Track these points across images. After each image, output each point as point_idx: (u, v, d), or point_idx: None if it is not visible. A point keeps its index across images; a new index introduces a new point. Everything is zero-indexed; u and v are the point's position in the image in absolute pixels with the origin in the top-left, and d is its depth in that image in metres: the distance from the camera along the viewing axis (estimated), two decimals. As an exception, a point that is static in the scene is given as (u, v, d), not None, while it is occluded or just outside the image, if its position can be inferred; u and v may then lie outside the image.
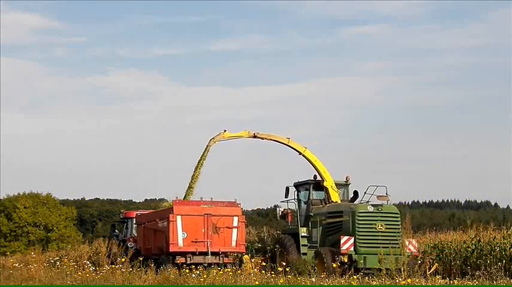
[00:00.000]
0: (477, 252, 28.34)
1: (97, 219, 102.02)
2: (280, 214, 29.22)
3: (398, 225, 25.57)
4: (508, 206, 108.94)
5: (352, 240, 24.85)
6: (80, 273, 21.95)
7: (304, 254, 26.69)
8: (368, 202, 26.27)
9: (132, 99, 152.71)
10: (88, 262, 25.54)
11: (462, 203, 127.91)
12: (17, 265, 29.54)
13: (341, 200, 28.21)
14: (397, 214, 26.00)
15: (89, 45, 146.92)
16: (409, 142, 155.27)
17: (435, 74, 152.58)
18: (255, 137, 29.54)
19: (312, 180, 28.71)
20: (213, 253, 25.82)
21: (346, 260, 22.76)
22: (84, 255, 35.78)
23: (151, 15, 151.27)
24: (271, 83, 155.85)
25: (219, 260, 25.83)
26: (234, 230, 26.15)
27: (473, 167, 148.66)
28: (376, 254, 22.92)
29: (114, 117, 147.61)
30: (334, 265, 22.77)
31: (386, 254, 21.17)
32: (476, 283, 22.56)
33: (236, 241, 26.11)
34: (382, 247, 22.57)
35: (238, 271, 19.83)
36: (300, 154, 29.34)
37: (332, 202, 27.92)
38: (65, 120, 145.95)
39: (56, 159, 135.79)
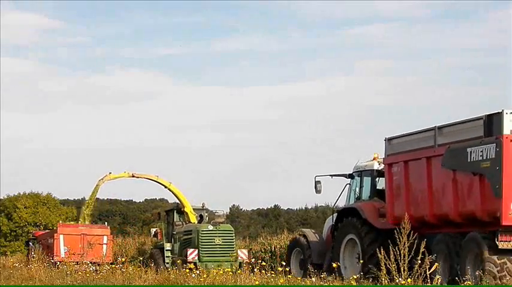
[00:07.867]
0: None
1: (97, 219, 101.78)
2: (153, 233, 36.15)
3: (233, 239, 32.03)
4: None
5: (196, 251, 30.98)
6: (80, 273, 21.96)
7: (168, 263, 32.51)
8: (211, 222, 32.59)
9: (133, 99, 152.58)
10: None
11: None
12: (17, 264, 29.59)
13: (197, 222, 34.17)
14: (232, 231, 32.26)
15: (90, 45, 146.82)
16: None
17: (435, 74, 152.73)
18: (133, 176, 36.15)
19: (176, 206, 35.18)
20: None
21: (192, 267, 25.89)
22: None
23: (153, 15, 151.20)
24: (272, 83, 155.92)
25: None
26: (104, 246, 34.40)
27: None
28: (216, 262, 29.57)
29: (115, 117, 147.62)
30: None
31: (223, 261, 29.59)
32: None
33: (105, 253, 33.72)
34: (220, 256, 30.60)
35: (239, 271, 20.24)
36: (166, 187, 35.70)
37: (190, 223, 34.07)
38: (65, 120, 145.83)
39: (56, 159, 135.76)
